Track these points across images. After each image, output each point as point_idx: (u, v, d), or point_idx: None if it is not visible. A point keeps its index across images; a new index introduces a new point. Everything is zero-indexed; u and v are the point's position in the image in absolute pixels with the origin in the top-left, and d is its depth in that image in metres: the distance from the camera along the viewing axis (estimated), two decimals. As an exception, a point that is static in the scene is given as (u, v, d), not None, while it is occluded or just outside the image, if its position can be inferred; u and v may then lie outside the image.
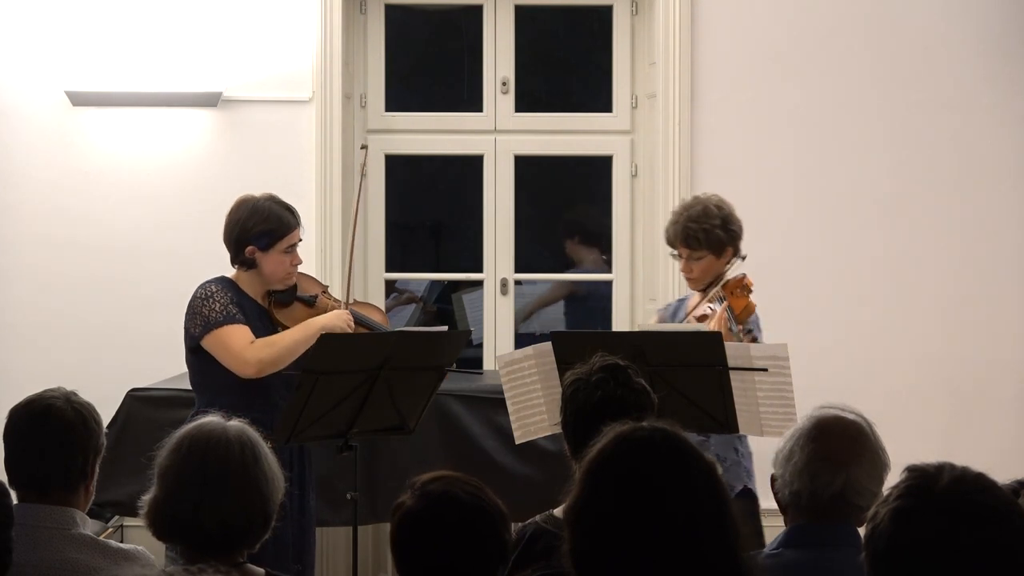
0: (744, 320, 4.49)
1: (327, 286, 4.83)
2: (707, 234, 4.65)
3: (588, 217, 6.76)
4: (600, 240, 6.58)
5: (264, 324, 4.58)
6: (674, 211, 4.80)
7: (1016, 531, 1.98)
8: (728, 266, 4.69)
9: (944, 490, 2.00)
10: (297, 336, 4.48)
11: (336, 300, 4.75)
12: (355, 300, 4.88)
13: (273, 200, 4.59)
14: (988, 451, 5.60)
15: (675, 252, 4.75)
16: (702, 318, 4.63)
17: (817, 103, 6.08)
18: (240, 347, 4.43)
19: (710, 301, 4.63)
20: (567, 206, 6.89)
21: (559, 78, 7.10)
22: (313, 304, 4.67)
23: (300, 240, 4.60)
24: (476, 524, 2.66)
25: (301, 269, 4.69)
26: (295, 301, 4.65)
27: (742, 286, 4.56)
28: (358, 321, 4.75)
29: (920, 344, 6.08)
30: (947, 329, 6.09)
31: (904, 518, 1.99)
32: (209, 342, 4.45)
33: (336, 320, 4.52)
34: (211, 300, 4.48)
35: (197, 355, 4.51)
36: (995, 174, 6.11)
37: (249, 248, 4.52)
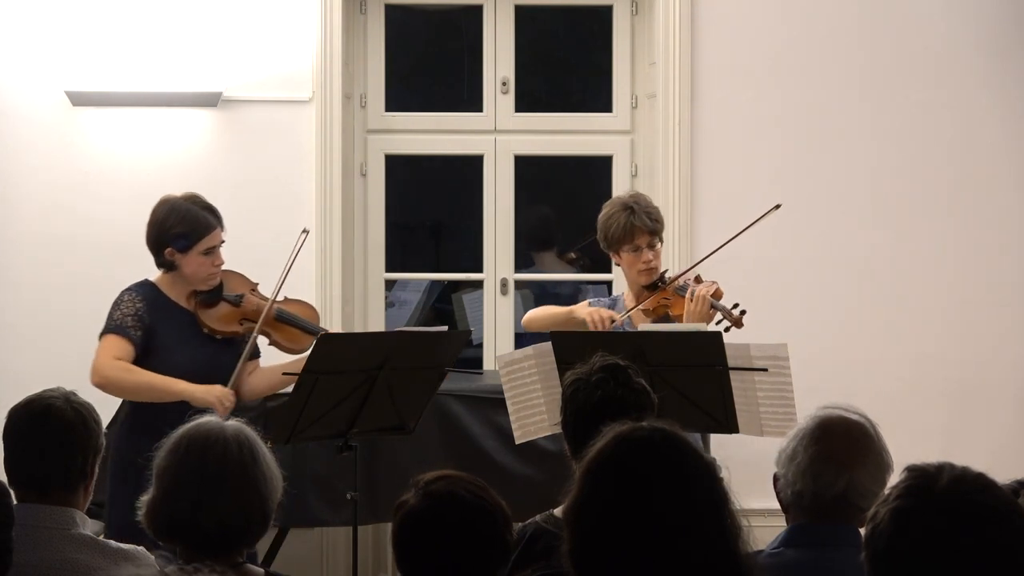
0: (720, 297, 4.69)
1: (256, 284, 4.79)
2: (660, 218, 4.87)
3: (539, 220, 6.76)
4: (552, 241, 6.62)
5: (188, 327, 4.56)
6: (616, 210, 4.85)
7: (1016, 531, 1.98)
8: (709, 255, 4.89)
9: (944, 490, 2.00)
10: (155, 383, 4.44)
11: (264, 298, 4.70)
12: (286, 298, 4.79)
13: (193, 201, 4.59)
14: (988, 451, 5.60)
15: (628, 248, 4.79)
16: (660, 307, 4.71)
17: (817, 103, 6.07)
18: (103, 357, 4.46)
19: (665, 295, 4.74)
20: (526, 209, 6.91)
21: (559, 78, 7.11)
22: (239, 304, 4.65)
23: (222, 241, 4.58)
24: (478, 524, 2.66)
25: (239, 268, 4.70)
26: (221, 301, 4.63)
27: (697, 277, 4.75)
28: (284, 319, 4.71)
29: (920, 344, 6.07)
30: (947, 329, 6.09)
31: (904, 518, 1.99)
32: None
33: (206, 396, 4.38)
34: (116, 307, 4.54)
35: None
36: (995, 174, 6.10)
37: (168, 250, 4.52)
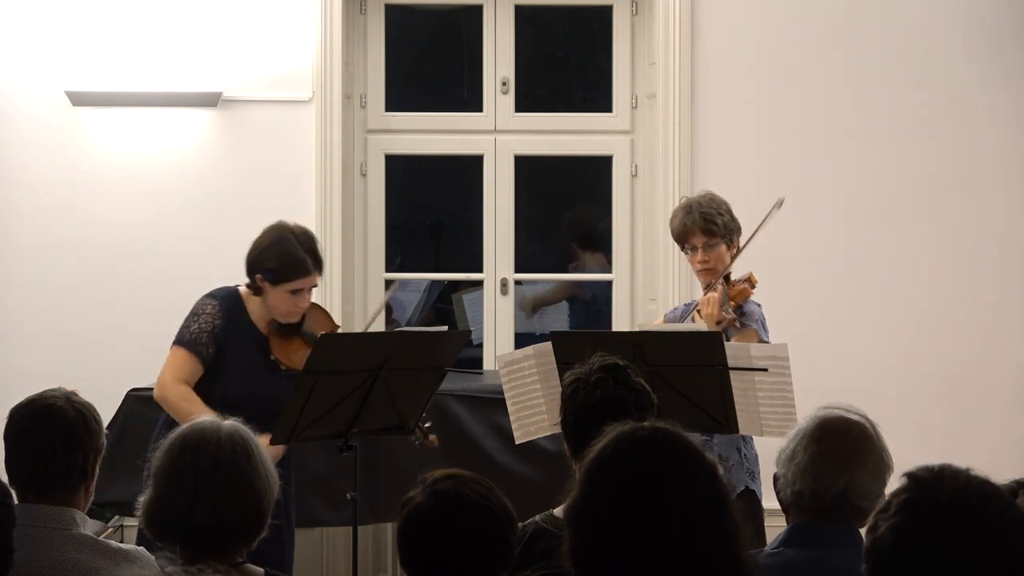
0: (739, 302, 4.62)
1: (338, 327, 4.77)
2: (721, 218, 4.74)
3: (589, 219, 6.74)
4: (603, 243, 6.58)
5: (257, 350, 4.54)
6: (678, 208, 4.83)
7: (1021, 543, 1.96)
8: (732, 260, 4.77)
9: (946, 504, 1.96)
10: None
11: None
12: None
13: (301, 240, 4.52)
14: (988, 451, 5.61)
15: (687, 247, 4.77)
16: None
17: (817, 103, 6.08)
18: (170, 372, 4.44)
19: (714, 289, 4.70)
20: (569, 208, 6.87)
21: (559, 78, 7.11)
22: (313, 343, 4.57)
23: (315, 285, 4.55)
24: (484, 526, 2.66)
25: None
26: (298, 336, 4.58)
27: (746, 279, 4.67)
28: None
29: (919, 344, 6.08)
30: (946, 328, 6.09)
31: (905, 535, 1.96)
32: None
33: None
34: (196, 318, 4.51)
35: None
36: (995, 174, 6.11)
37: (258, 276, 4.51)
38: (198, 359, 4.45)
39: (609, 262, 6.47)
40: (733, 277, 4.75)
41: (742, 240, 4.78)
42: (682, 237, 4.78)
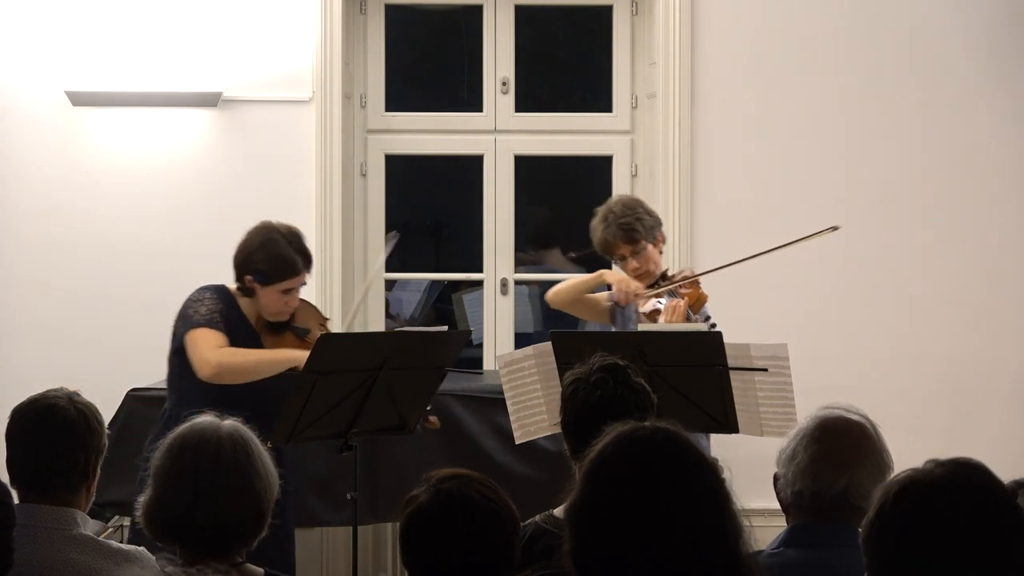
0: (698, 309, 4.67)
1: (328, 319, 4.78)
2: (640, 222, 4.80)
3: (542, 221, 6.77)
4: (555, 239, 6.64)
5: (250, 345, 4.53)
6: (594, 224, 4.88)
7: (1012, 512, 2.05)
8: (661, 252, 4.86)
9: (945, 467, 2.09)
10: (267, 357, 4.42)
11: None
12: None
13: (289, 239, 4.53)
14: (987, 451, 5.58)
15: (616, 258, 4.81)
16: (653, 313, 4.69)
17: (817, 103, 6.08)
18: (207, 347, 4.40)
19: (659, 297, 4.71)
20: (567, 207, 6.90)
21: (559, 78, 7.10)
22: (304, 337, 4.58)
23: (304, 284, 4.56)
24: (487, 527, 2.66)
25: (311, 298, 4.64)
26: (288, 331, 4.59)
27: (691, 279, 4.72)
28: None
29: (919, 343, 6.08)
30: (946, 328, 6.09)
31: (904, 490, 2.07)
32: (186, 341, 4.45)
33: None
34: (199, 304, 4.49)
35: (180, 356, 4.50)
36: (995, 173, 6.11)
37: (248, 278, 4.51)
38: (221, 332, 4.44)
39: (571, 258, 6.53)
40: (670, 272, 4.80)
41: (778, 243, 4.77)
42: (606, 250, 4.83)
